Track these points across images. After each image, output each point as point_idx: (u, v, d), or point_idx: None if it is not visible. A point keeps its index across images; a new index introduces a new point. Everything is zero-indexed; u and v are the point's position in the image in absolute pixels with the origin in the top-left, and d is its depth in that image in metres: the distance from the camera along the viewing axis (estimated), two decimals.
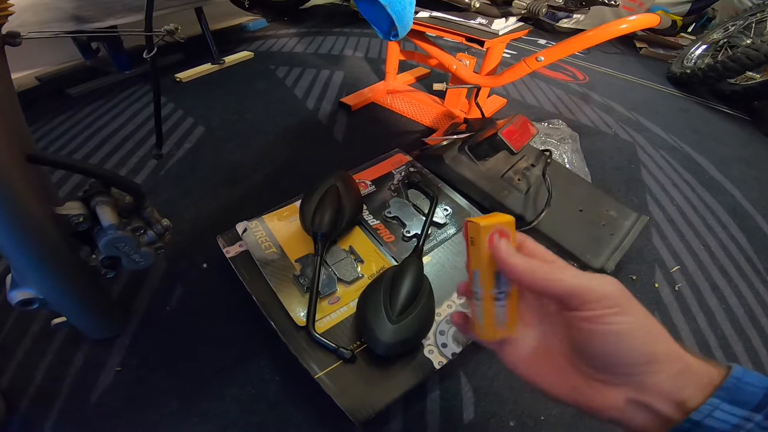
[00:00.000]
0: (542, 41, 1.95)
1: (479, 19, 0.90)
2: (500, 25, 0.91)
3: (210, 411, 0.51)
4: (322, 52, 1.52)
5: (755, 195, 1.07)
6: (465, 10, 0.87)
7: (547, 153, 0.79)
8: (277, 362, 0.56)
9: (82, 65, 1.28)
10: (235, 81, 1.28)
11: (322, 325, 0.54)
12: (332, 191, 0.63)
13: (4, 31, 0.39)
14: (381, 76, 1.35)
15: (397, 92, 1.20)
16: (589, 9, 0.94)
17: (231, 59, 1.39)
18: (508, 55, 1.69)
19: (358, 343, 0.52)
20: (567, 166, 0.87)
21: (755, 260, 0.87)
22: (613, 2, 0.89)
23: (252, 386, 0.54)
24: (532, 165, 0.78)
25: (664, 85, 1.68)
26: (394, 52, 1.13)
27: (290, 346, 0.51)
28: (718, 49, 1.67)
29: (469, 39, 0.91)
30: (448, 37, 0.95)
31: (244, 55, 1.43)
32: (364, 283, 0.58)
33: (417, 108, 1.15)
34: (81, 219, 0.44)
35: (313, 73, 1.34)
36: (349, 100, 1.13)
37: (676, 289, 0.77)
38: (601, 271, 0.68)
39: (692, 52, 1.77)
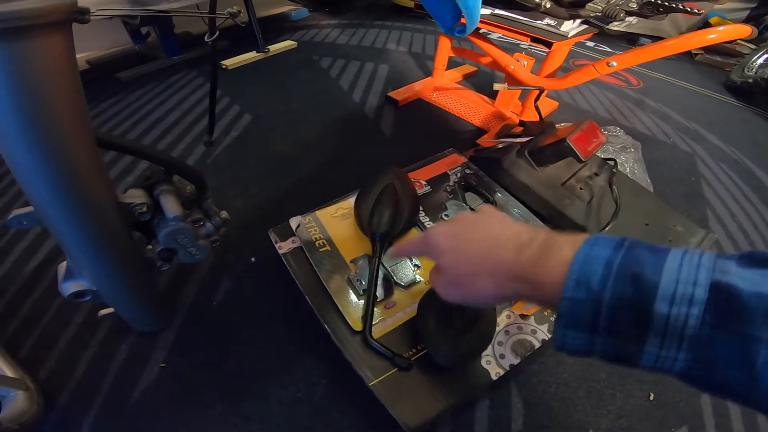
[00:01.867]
0: (590, 43, 1.86)
1: (547, 20, 0.86)
2: (569, 26, 0.86)
3: (253, 413, 0.50)
4: (365, 45, 1.49)
5: None
6: (533, 10, 0.84)
7: (613, 162, 0.75)
8: (324, 365, 0.54)
9: (130, 50, 1.29)
10: (280, 70, 1.27)
11: (377, 330, 0.51)
12: (390, 189, 0.61)
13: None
14: (426, 71, 1.31)
15: (444, 89, 1.16)
16: (666, 15, 0.89)
17: (275, 48, 1.38)
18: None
19: (414, 350, 0.50)
20: (629, 176, 0.81)
21: None
22: (695, 11, 0.83)
23: (297, 389, 0.52)
24: (596, 174, 0.73)
25: (721, 93, 1.58)
26: (444, 49, 1.09)
27: (345, 352, 0.49)
28: None
29: (534, 39, 0.87)
30: (511, 37, 0.91)
31: (287, 44, 1.42)
32: (421, 287, 0.56)
33: (466, 107, 1.11)
34: (144, 208, 0.43)
35: (357, 66, 1.31)
36: (397, 94, 1.10)
37: None
38: None
39: (754, 61, 1.66)
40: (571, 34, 0.85)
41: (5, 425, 0.40)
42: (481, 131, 1.03)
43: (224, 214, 0.53)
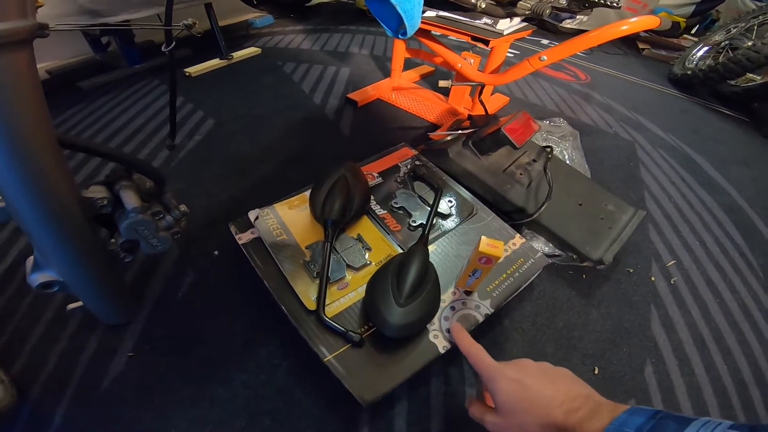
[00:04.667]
0: (545, 41, 1.96)
1: (485, 19, 0.92)
2: (505, 25, 0.92)
3: (220, 396, 0.53)
4: (329, 49, 1.53)
5: (751, 194, 1.09)
6: (471, 11, 0.89)
7: (549, 149, 0.81)
8: (285, 348, 0.58)
9: (92, 59, 1.29)
10: (243, 76, 1.30)
11: (331, 309, 0.55)
12: (341, 181, 0.65)
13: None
14: (386, 73, 1.36)
15: (402, 89, 1.21)
16: (592, 10, 0.96)
17: (239, 55, 1.40)
18: (511, 55, 1.70)
19: (366, 327, 0.54)
20: (567, 162, 0.88)
21: (750, 257, 0.89)
22: (615, 4, 0.91)
23: (261, 371, 0.56)
24: (534, 160, 0.79)
25: (665, 86, 1.70)
26: (399, 50, 1.15)
27: (301, 330, 0.53)
28: (720, 51, 1.68)
29: (474, 38, 0.92)
30: (454, 36, 0.97)
31: (251, 50, 1.44)
32: (371, 269, 0.60)
33: (421, 105, 1.17)
34: (105, 202, 0.46)
35: (319, 70, 1.35)
36: (356, 96, 1.15)
37: (672, 282, 0.79)
38: (599, 262, 0.70)
39: (694, 54, 1.79)
40: (506, 32, 0.91)
41: None
42: (435, 127, 1.08)
43: (183, 207, 0.56)
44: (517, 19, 0.97)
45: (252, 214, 0.66)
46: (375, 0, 0.74)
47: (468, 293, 0.60)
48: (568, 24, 2.07)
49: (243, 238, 0.64)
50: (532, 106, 1.31)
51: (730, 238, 0.93)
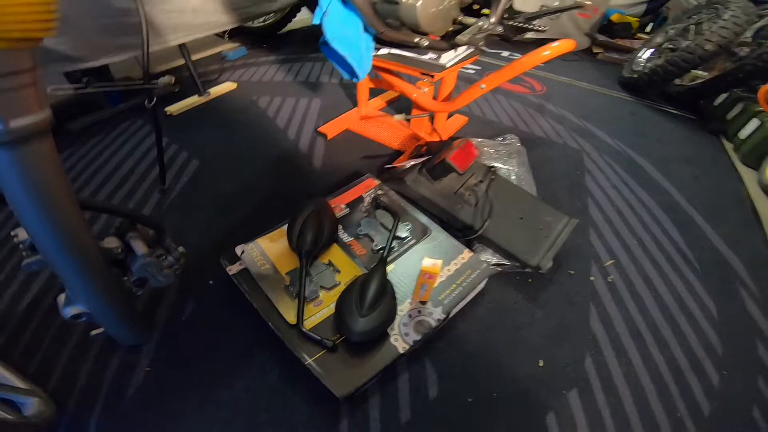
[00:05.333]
0: (506, 53, 2.15)
1: (430, 54, 1.07)
2: (448, 57, 1.08)
3: (224, 399, 0.68)
4: (301, 80, 1.70)
5: (691, 191, 1.25)
6: (417, 48, 1.05)
7: (493, 170, 0.98)
8: (275, 357, 0.73)
9: (73, 96, 1.38)
10: (222, 113, 1.46)
11: (309, 323, 0.71)
12: (312, 216, 0.81)
13: None
14: (355, 102, 1.52)
15: (369, 118, 1.38)
16: (525, 34, 1.13)
17: (215, 91, 1.56)
18: (473, 71, 1.88)
19: (338, 335, 0.70)
20: (513, 179, 1.05)
21: (686, 251, 1.04)
22: (540, 28, 1.07)
23: (257, 377, 0.71)
24: (481, 181, 0.96)
25: (616, 90, 1.88)
26: (363, 82, 1.32)
27: (285, 341, 0.69)
28: (662, 52, 1.84)
29: (423, 72, 1.09)
30: (406, 72, 1.13)
31: (227, 86, 1.60)
32: (341, 288, 0.76)
33: (387, 132, 1.33)
34: (119, 250, 0.62)
35: (292, 103, 1.52)
36: (326, 129, 1.31)
37: (609, 281, 0.93)
38: (538, 267, 0.86)
39: (641, 56, 1.94)
40: (449, 64, 1.07)
41: (32, 421, 0.57)
42: (399, 153, 1.25)
43: (181, 248, 0.72)
44: (461, 49, 1.13)
45: (238, 249, 0.82)
46: (329, 49, 0.91)
47: (423, 303, 0.76)
48: (528, 34, 2.26)
49: (233, 269, 0.80)
50: (490, 123, 1.48)
51: (668, 236, 1.09)
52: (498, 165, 1.07)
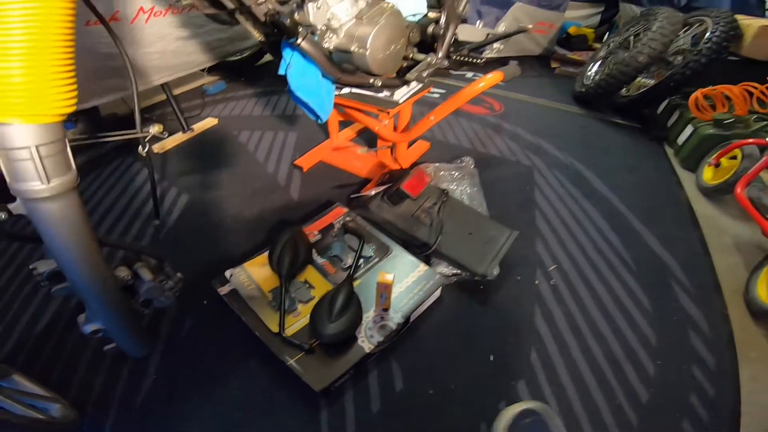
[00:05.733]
0: (470, 74, 2.36)
1: (385, 92, 1.25)
2: (401, 93, 1.27)
3: (221, 399, 0.85)
4: (278, 113, 1.88)
5: (630, 198, 1.43)
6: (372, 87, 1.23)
7: (445, 193, 1.17)
8: (264, 360, 0.89)
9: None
10: (206, 149, 1.64)
11: (290, 330, 0.89)
12: (289, 243, 0.99)
13: None
14: (328, 133, 1.69)
15: (340, 149, 1.57)
16: (479, 63, 1.32)
17: (199, 127, 1.73)
18: (438, 95, 2.08)
19: (314, 339, 0.87)
20: (465, 199, 1.24)
21: (623, 253, 1.21)
22: (478, 60, 1.26)
23: (248, 379, 0.88)
24: (435, 203, 1.15)
25: (569, 104, 2.07)
26: (333, 115, 1.50)
27: (270, 346, 0.86)
28: (606, 64, 2.00)
29: (379, 109, 1.27)
30: (365, 108, 1.30)
31: (209, 122, 1.78)
32: (315, 301, 0.94)
33: (357, 162, 1.50)
34: (129, 277, 0.79)
35: (271, 137, 1.70)
36: (301, 161, 1.49)
37: (552, 283, 1.09)
38: (484, 275, 1.04)
39: (590, 70, 2.11)
40: (402, 100, 1.26)
41: (59, 421, 0.73)
42: (368, 181, 1.43)
43: (179, 274, 0.88)
44: (414, 84, 1.32)
45: (227, 273, 1.00)
46: (294, 96, 1.08)
47: (385, 310, 0.94)
48: (488, 54, 2.49)
49: (223, 290, 0.98)
50: (451, 146, 1.68)
51: (607, 240, 1.26)
52: (452, 187, 1.26)
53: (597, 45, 2.68)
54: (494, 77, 1.14)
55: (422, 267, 1.03)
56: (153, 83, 1.46)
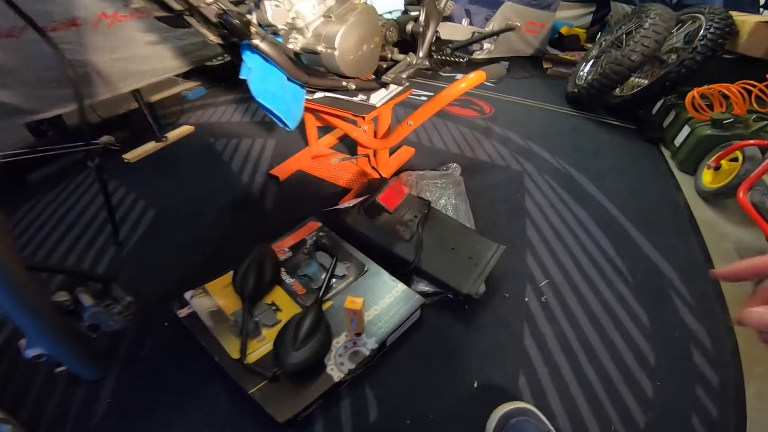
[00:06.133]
0: (459, 75, 2.29)
1: (360, 96, 1.17)
2: (378, 96, 1.19)
3: (180, 421, 0.78)
4: (257, 120, 1.81)
5: (624, 202, 1.37)
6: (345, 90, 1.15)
7: (427, 204, 1.09)
8: (226, 388, 0.81)
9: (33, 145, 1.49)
10: (179, 159, 1.56)
11: (253, 356, 0.81)
12: (254, 263, 0.91)
13: None
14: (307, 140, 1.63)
15: (320, 157, 1.49)
16: (461, 62, 1.24)
17: (173, 135, 1.65)
18: (426, 98, 2.01)
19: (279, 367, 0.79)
20: (450, 210, 1.16)
21: (618, 262, 1.14)
22: (461, 59, 1.19)
23: (210, 407, 0.80)
24: (415, 216, 1.07)
25: (561, 105, 2.01)
26: (311, 121, 1.43)
27: (231, 374, 0.79)
28: (598, 64, 1.95)
29: (354, 114, 1.18)
30: (340, 113, 1.22)
31: (185, 129, 1.70)
32: (281, 325, 0.86)
33: (336, 170, 1.43)
34: (69, 303, 0.74)
35: (248, 144, 1.63)
36: (277, 171, 1.42)
37: (543, 300, 1.01)
38: (468, 295, 0.96)
39: (582, 70, 2.07)
40: (379, 104, 1.18)
41: None
42: (346, 191, 1.36)
43: (129, 298, 0.82)
44: (393, 86, 1.24)
45: (187, 294, 0.93)
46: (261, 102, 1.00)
47: (358, 335, 0.86)
48: (478, 55, 2.42)
49: (182, 312, 0.90)
50: (437, 152, 1.61)
51: (601, 249, 1.19)
52: (436, 197, 1.18)
53: (589, 45, 2.63)
54: (477, 77, 1.06)
55: (400, 287, 0.95)
56: (121, 90, 1.39)
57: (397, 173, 1.45)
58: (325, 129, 1.62)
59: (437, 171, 1.35)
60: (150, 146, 1.59)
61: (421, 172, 1.30)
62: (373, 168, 1.17)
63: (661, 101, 1.79)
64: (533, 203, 1.36)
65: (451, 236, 1.06)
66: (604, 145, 1.72)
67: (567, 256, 1.17)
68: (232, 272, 0.94)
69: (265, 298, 0.92)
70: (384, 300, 0.92)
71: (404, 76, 1.08)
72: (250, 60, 0.85)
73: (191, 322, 0.87)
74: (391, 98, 1.23)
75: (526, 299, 1.03)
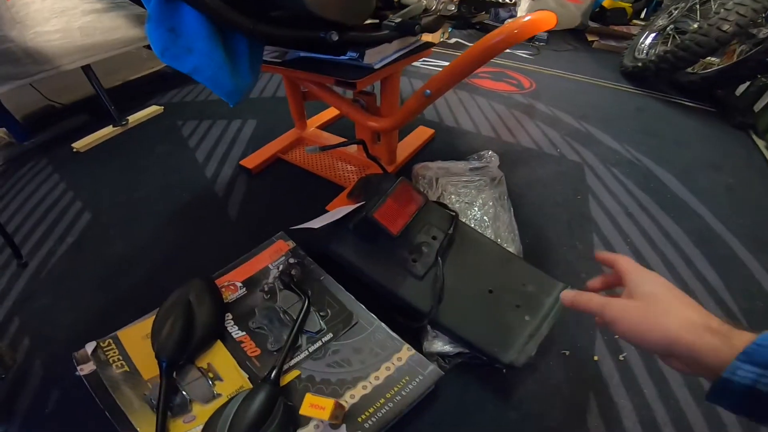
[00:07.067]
0: None
1: (349, 53, 0.79)
2: (379, 55, 0.80)
3: None
4: None
5: (727, 210, 0.98)
6: (329, 47, 0.70)
7: (452, 217, 0.72)
8: None
9: None
10: (135, 146, 1.26)
11: None
12: (180, 310, 0.59)
13: None
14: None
15: (308, 141, 1.14)
16: (489, 12, 0.87)
17: (136, 118, 1.37)
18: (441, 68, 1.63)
19: None
20: (487, 222, 0.80)
21: (727, 299, 0.78)
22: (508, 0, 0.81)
23: None
24: (434, 237, 0.71)
25: (617, 81, 1.65)
26: (295, 95, 1.07)
27: None
28: (667, 36, 1.64)
29: (338, 80, 0.80)
30: (321, 81, 0.86)
31: (152, 110, 1.41)
32: (222, 401, 0.56)
33: (327, 160, 1.09)
34: None
35: (222, 126, 1.31)
36: (250, 161, 1.08)
37: (621, 359, 0.68)
38: (509, 366, 0.61)
39: (642, 43, 1.76)
40: (378, 65, 0.80)
41: None
42: (341, 189, 1.01)
43: None
44: (411, 39, 0.86)
45: (89, 347, 0.63)
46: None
47: (334, 426, 0.52)
48: (509, 21, 2.01)
49: (85, 369, 0.62)
50: (465, 134, 1.25)
51: (703, 280, 0.82)
52: (465, 202, 0.81)
53: (636, 22, 2.32)
54: (545, 17, 0.67)
55: (405, 351, 0.62)
56: (63, 68, 1.11)
57: (408, 164, 1.09)
58: (318, 106, 1.26)
59: (466, 162, 0.98)
60: (106, 131, 1.31)
61: (443, 164, 0.94)
62: (372, 158, 0.81)
63: (749, 81, 1.43)
64: (601, 209, 0.98)
65: (489, 270, 0.69)
66: (684, 131, 1.32)
67: None
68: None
69: (199, 360, 0.60)
70: (379, 371, 0.59)
71: (422, 24, 0.72)
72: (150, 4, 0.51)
73: (94, 385, 0.59)
74: (397, 59, 0.85)
75: (596, 358, 0.68)
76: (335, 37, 0.64)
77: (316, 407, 0.48)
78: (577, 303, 0.41)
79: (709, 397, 0.33)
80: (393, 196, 0.64)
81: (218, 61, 0.57)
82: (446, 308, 0.63)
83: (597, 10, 2.37)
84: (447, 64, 1.63)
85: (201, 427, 0.54)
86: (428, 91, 0.76)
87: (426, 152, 1.17)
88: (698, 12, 1.54)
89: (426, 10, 0.80)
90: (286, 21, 0.63)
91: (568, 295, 0.42)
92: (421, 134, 1.19)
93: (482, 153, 1.04)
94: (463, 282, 0.66)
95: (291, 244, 0.75)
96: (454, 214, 0.74)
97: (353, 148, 1.08)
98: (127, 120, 1.33)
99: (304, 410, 0.49)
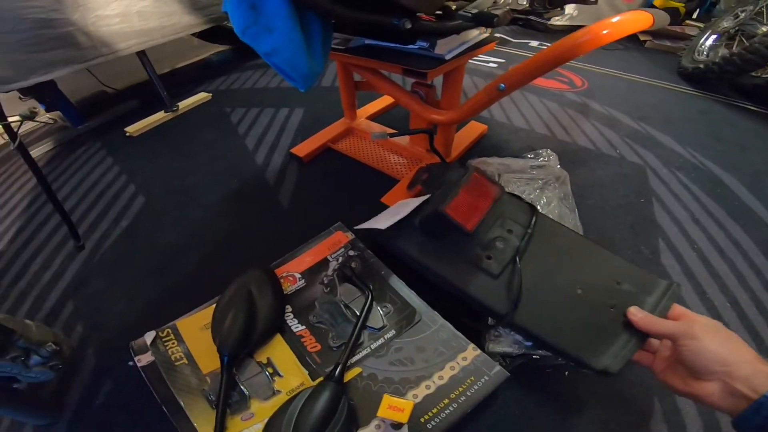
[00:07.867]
0: (534, 43, 1.82)
1: (419, 43, 0.76)
2: (448, 46, 0.77)
3: None
4: (286, 85, 1.46)
5: None
6: (399, 33, 0.70)
7: (532, 209, 0.66)
8: None
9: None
10: (186, 132, 1.25)
11: None
12: (241, 300, 0.57)
13: None
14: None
15: (358, 132, 1.10)
16: (563, 9, 0.81)
17: (186, 104, 1.36)
18: (495, 65, 1.56)
19: None
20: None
21: None
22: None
23: None
24: (510, 231, 0.65)
25: (675, 82, 1.53)
26: (348, 83, 1.04)
27: None
28: (731, 38, 1.54)
29: (406, 70, 0.78)
30: (386, 70, 0.83)
31: (200, 97, 1.40)
32: (281, 399, 0.53)
33: (379, 150, 1.05)
34: None
35: (270, 114, 1.28)
36: (300, 149, 1.05)
37: None
38: (602, 373, 0.53)
39: (703, 44, 1.64)
40: (449, 56, 0.77)
41: None
42: (394, 181, 0.97)
43: (51, 346, 0.57)
44: (474, 33, 0.82)
45: (148, 337, 0.60)
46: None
47: (396, 427, 0.48)
48: (558, 21, 1.92)
49: (143, 360, 0.59)
50: (517, 131, 1.18)
51: None
52: (530, 200, 0.76)
53: (689, 22, 2.19)
54: (635, 18, 0.60)
55: (470, 351, 0.57)
56: (120, 53, 1.10)
57: (462, 158, 1.04)
58: (368, 96, 1.24)
59: (525, 159, 0.92)
60: (158, 117, 1.31)
61: (502, 160, 0.88)
62: (434, 150, 0.77)
63: None
64: (666, 214, 0.91)
65: (575, 266, 0.61)
66: (750, 136, 1.22)
67: (724, 301, 0.73)
68: (214, 305, 0.59)
69: (258, 354, 0.57)
70: (443, 371, 0.55)
71: (499, 15, 0.66)
72: None
73: (152, 376, 0.56)
74: (466, 51, 0.81)
75: None
76: (408, 25, 0.59)
77: (394, 409, 0.44)
78: (632, 317, 0.51)
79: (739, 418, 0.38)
80: (466, 188, 0.59)
81: (297, 42, 0.53)
82: (526, 309, 0.57)
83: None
84: (494, 60, 1.60)
85: (259, 425, 0.50)
86: (503, 84, 0.71)
87: (479, 148, 1.11)
88: (766, 15, 1.44)
89: (495, 3, 0.75)
90: (360, 3, 0.59)
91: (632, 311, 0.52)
92: (474, 129, 1.13)
93: (539, 151, 0.97)
94: (545, 279, 0.59)
95: (350, 235, 0.71)
96: (534, 207, 0.67)
97: (405, 140, 1.04)
98: (177, 106, 1.33)
99: (382, 412, 0.45)
